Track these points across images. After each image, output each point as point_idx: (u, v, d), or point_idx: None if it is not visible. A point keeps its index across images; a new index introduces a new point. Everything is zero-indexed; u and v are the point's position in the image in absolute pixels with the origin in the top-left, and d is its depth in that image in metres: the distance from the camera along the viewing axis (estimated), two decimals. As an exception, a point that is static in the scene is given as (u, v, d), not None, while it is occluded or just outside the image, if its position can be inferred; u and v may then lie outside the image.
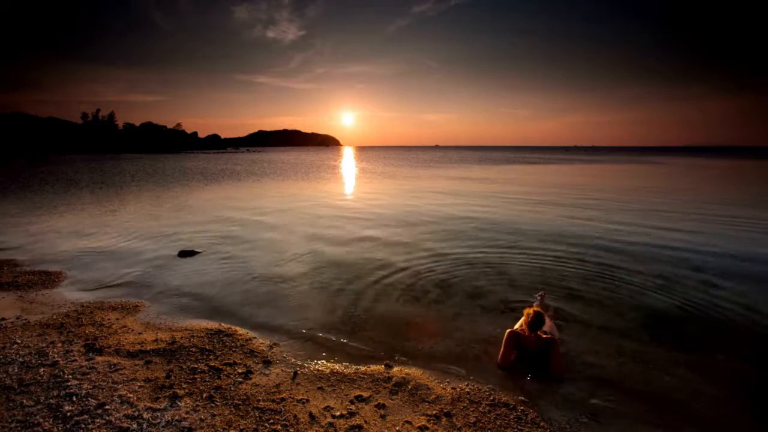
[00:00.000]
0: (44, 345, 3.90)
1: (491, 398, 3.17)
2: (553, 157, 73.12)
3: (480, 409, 3.04)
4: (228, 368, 3.55)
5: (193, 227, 10.19)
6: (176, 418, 2.84)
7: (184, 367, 3.56)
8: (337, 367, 3.65)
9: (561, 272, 6.37)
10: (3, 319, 4.55)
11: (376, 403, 3.09)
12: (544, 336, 3.59)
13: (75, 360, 3.61)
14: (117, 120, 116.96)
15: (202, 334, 4.20)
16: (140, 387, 3.21)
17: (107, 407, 2.92)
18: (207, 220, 11.26)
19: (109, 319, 4.61)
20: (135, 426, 2.73)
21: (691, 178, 26.74)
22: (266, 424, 2.81)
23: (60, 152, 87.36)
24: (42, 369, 3.44)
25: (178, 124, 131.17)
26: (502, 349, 3.70)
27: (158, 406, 2.96)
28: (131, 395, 3.09)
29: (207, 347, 3.92)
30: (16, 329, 4.28)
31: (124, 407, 2.93)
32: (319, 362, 3.73)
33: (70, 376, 3.32)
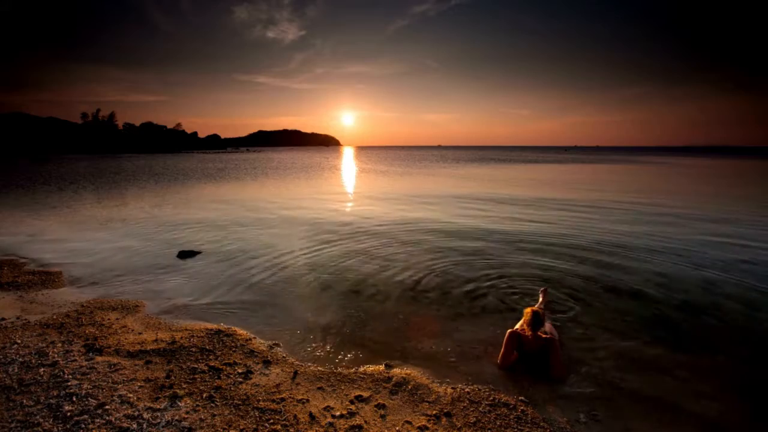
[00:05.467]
0: (44, 345, 3.90)
1: (491, 398, 3.17)
2: (550, 156, 73.11)
3: (480, 409, 3.04)
4: (228, 368, 3.55)
5: (193, 227, 10.18)
6: (176, 418, 2.84)
7: (184, 367, 3.56)
8: (337, 367, 3.65)
9: (561, 272, 6.37)
10: (3, 319, 4.55)
11: (376, 403, 3.09)
12: (544, 336, 3.59)
13: (75, 360, 3.61)
14: (117, 120, 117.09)
15: (202, 334, 4.20)
16: (140, 387, 3.21)
17: (107, 407, 2.92)
18: (207, 219, 11.26)
19: (109, 319, 4.61)
20: (135, 426, 2.73)
21: (690, 178, 26.75)
22: (266, 424, 2.81)
23: (60, 152, 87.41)
24: (42, 369, 3.44)
25: (178, 124, 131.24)
26: (502, 350, 3.70)
27: (158, 406, 2.96)
28: (131, 395, 3.09)
29: (207, 347, 3.92)
30: (16, 329, 4.28)
31: (124, 407, 2.93)
32: (319, 362, 3.73)
33: (70, 376, 3.32)
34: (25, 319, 4.56)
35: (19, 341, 3.97)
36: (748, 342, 4.24)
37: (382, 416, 2.95)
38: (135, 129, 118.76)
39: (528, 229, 9.69)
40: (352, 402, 3.11)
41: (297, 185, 21.90)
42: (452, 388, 3.32)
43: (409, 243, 8.30)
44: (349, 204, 14.49)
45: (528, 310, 3.71)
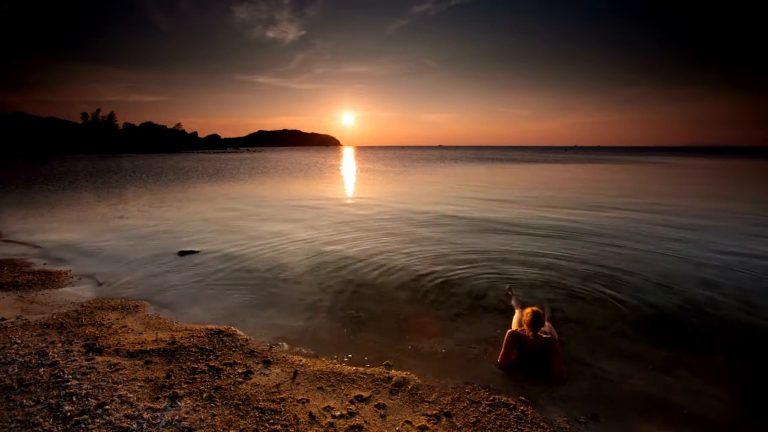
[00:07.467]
0: (44, 345, 3.90)
1: (491, 398, 3.17)
2: (550, 156, 73.09)
3: (480, 409, 3.04)
4: (228, 368, 3.55)
5: (193, 227, 10.19)
6: (176, 418, 2.84)
7: (184, 367, 3.56)
8: (337, 367, 3.65)
9: (561, 272, 6.37)
10: (3, 319, 4.55)
11: (376, 403, 3.09)
12: (545, 336, 3.59)
13: (75, 360, 3.61)
14: (117, 120, 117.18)
15: (202, 334, 4.20)
16: (140, 387, 3.21)
17: (107, 407, 2.92)
18: (207, 219, 11.26)
19: (109, 319, 4.61)
20: (135, 426, 2.73)
21: (690, 178, 26.75)
22: (266, 424, 2.81)
23: (60, 152, 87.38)
24: (42, 369, 3.44)
25: (178, 124, 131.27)
26: (503, 350, 3.70)
27: (158, 406, 2.96)
28: (131, 395, 3.09)
29: (207, 347, 3.92)
30: (16, 329, 4.28)
31: (124, 407, 2.93)
32: (319, 362, 3.73)
33: (70, 376, 3.32)
34: (25, 319, 4.56)
35: (19, 341, 3.97)
36: (748, 342, 4.24)
37: (382, 416, 2.95)
38: (135, 129, 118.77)
39: (528, 228, 9.69)
40: (352, 402, 3.11)
41: (296, 185, 21.90)
42: (452, 388, 3.32)
43: (410, 243, 8.29)
44: (348, 203, 14.49)
45: (528, 310, 3.71)
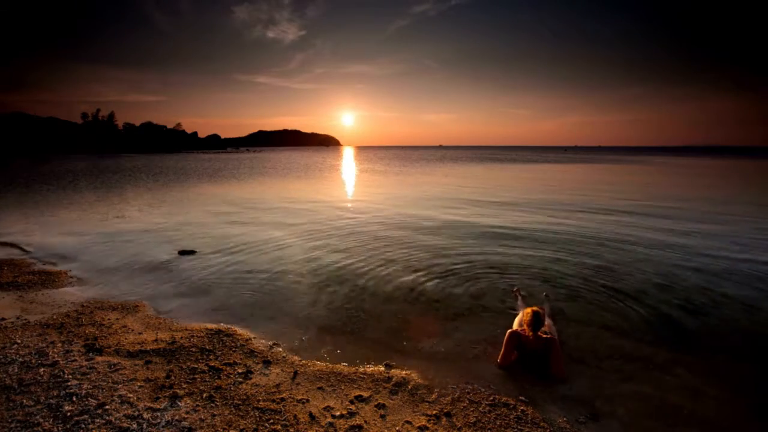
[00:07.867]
0: (44, 345, 3.90)
1: (491, 398, 3.17)
2: (550, 156, 73.10)
3: (480, 409, 3.04)
4: (228, 368, 3.55)
5: (193, 227, 10.18)
6: (176, 418, 2.84)
7: (184, 367, 3.56)
8: (337, 367, 3.65)
9: (561, 272, 6.37)
10: (3, 319, 4.55)
11: (376, 403, 3.09)
12: (545, 336, 3.59)
13: (75, 360, 3.61)
14: (117, 120, 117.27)
15: (202, 334, 4.20)
16: (140, 387, 3.21)
17: (107, 407, 2.92)
18: (207, 219, 11.26)
19: (109, 319, 4.61)
20: (135, 426, 2.73)
21: (690, 178, 26.75)
22: (266, 424, 2.81)
23: (60, 152, 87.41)
24: (42, 369, 3.44)
25: (178, 124, 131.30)
26: (503, 349, 3.70)
27: (158, 406, 2.96)
28: (131, 395, 3.09)
29: (207, 347, 3.92)
30: (16, 329, 4.28)
31: (124, 407, 2.93)
32: (319, 362, 3.73)
33: (70, 376, 3.32)
34: (25, 319, 4.56)
35: (19, 341, 3.97)
36: (748, 342, 4.24)
37: (382, 416, 2.95)
38: (135, 129, 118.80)
39: (529, 229, 9.69)
40: (352, 402, 3.11)
41: (295, 185, 21.90)
42: (452, 388, 3.32)
43: (409, 243, 8.29)
44: (348, 204, 14.49)
45: (528, 310, 3.71)
